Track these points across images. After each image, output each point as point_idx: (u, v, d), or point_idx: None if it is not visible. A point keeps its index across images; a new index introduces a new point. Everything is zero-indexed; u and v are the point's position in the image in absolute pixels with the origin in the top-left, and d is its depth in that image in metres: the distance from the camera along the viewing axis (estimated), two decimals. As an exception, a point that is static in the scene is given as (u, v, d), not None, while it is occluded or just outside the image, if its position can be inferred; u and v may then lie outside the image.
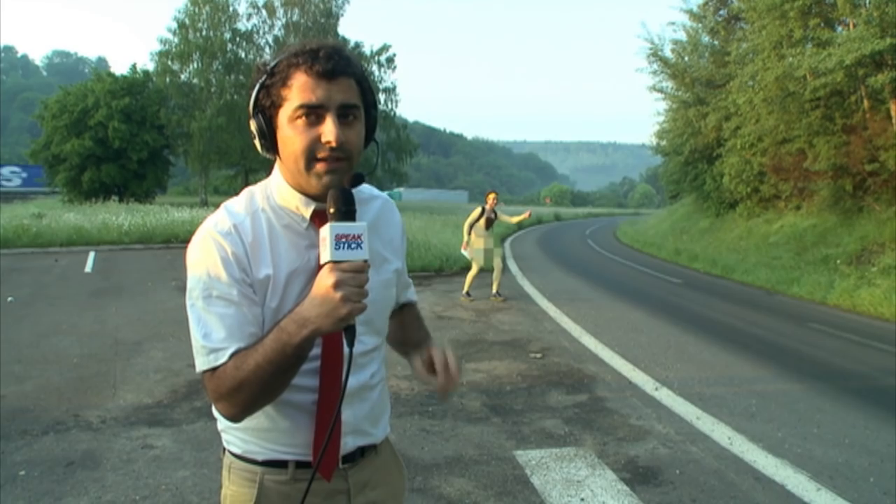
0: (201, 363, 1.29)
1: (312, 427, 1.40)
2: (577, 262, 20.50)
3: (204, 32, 44.32)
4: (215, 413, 1.46)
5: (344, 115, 1.29)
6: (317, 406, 1.39)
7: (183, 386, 5.87)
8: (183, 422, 4.95)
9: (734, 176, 25.31)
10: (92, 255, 16.74)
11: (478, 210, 11.64)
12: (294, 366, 1.26)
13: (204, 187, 47.73)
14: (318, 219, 1.35)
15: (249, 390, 1.25)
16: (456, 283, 13.62)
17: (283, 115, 1.29)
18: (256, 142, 1.35)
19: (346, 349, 1.27)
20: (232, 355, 1.26)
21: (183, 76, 45.10)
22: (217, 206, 1.48)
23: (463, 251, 11.81)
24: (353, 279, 1.18)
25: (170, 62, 44.02)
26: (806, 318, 11.69)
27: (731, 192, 26.71)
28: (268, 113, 1.31)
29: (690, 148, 29.35)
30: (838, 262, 16.33)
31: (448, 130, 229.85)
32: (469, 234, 11.60)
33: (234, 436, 1.45)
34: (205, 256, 1.31)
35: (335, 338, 1.34)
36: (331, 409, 1.37)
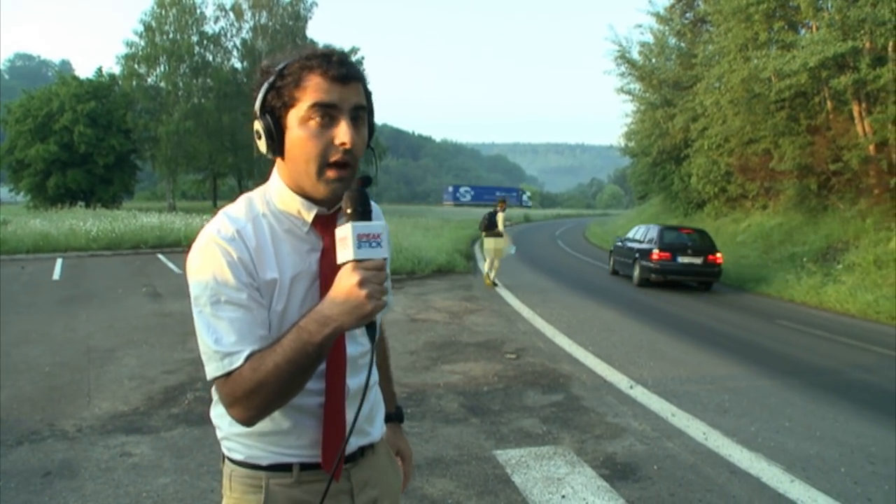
0: (215, 369, 1.27)
1: (317, 428, 1.40)
2: (548, 264, 20.63)
3: (171, 35, 43.88)
4: (216, 421, 1.47)
5: (354, 118, 1.32)
6: (323, 408, 1.40)
7: (159, 392, 5.81)
8: (161, 429, 4.91)
9: (702, 176, 25.68)
10: (59, 261, 16.49)
11: (502, 214, 13.53)
12: (314, 365, 1.26)
13: (172, 192, 47.22)
14: (320, 223, 1.38)
15: (267, 392, 1.24)
16: (428, 285, 13.64)
17: (295, 116, 1.30)
18: (262, 142, 1.33)
19: (353, 348, 1.33)
20: (247, 358, 1.25)
21: (150, 79, 44.64)
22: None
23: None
24: (375, 276, 1.21)
25: (136, 65, 43.54)
26: (774, 315, 11.90)
27: (698, 192, 27.10)
28: (276, 114, 1.31)
29: (658, 149, 29.70)
30: (804, 259, 16.64)
31: (417, 133, 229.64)
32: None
33: (238, 442, 1.43)
34: (210, 262, 1.29)
35: (338, 340, 1.36)
36: (337, 410, 1.40)
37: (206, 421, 5.03)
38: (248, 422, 1.30)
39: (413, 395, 5.90)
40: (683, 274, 15.05)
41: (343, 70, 1.30)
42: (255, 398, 1.25)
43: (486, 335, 8.67)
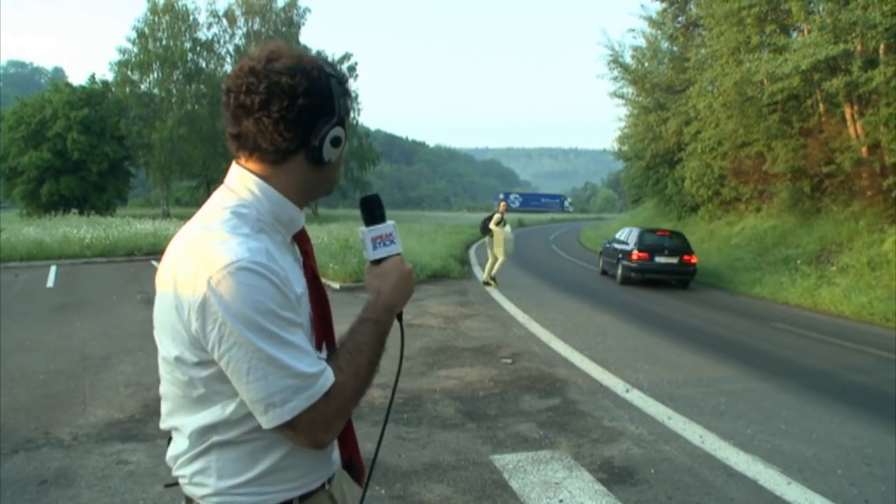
0: (312, 394, 1.21)
1: (313, 455, 1.35)
2: (543, 268, 20.64)
3: (164, 42, 43.89)
4: (198, 479, 1.31)
5: None
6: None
7: (154, 400, 5.76)
8: (157, 436, 4.89)
9: (695, 179, 25.73)
10: (53, 269, 16.44)
11: (497, 216, 14.46)
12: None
13: (166, 199, 47.14)
14: (299, 233, 1.40)
15: (363, 394, 1.32)
16: (423, 290, 13.62)
17: (341, 128, 1.33)
18: (333, 150, 1.33)
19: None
20: (332, 371, 1.26)
21: (143, 86, 44.62)
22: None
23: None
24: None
25: (129, 72, 43.51)
26: (769, 318, 11.93)
27: (692, 195, 27.14)
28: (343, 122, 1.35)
29: (652, 153, 29.75)
30: (798, 262, 16.68)
31: (410, 138, 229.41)
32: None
33: (236, 494, 1.30)
34: (259, 289, 1.17)
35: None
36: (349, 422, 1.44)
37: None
38: (329, 442, 1.32)
39: (409, 400, 5.90)
40: (661, 273, 16.48)
41: None
42: (354, 405, 1.31)
43: (482, 340, 8.67)
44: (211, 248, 1.20)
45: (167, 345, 1.27)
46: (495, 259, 14.63)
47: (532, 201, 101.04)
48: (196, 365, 1.23)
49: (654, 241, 16.95)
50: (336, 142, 1.31)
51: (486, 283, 14.36)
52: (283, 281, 1.21)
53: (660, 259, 16.33)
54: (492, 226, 14.50)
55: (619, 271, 16.99)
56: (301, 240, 1.39)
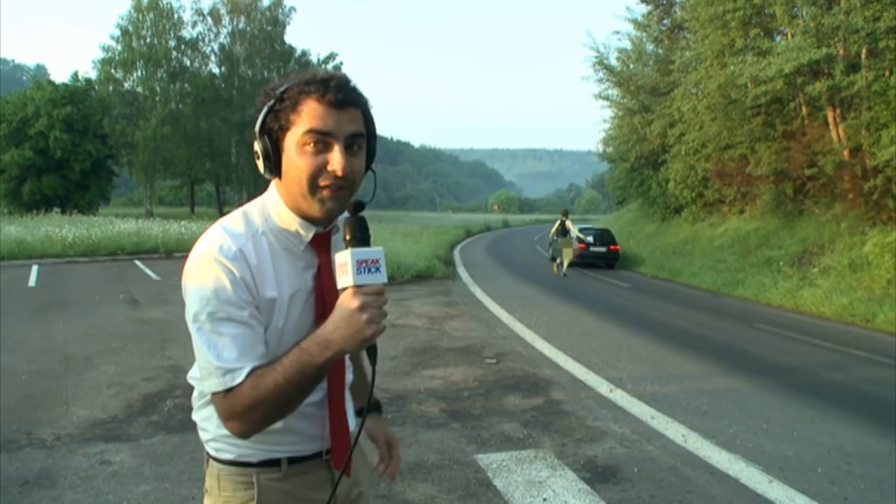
0: (216, 384, 1.30)
1: (307, 424, 1.48)
2: (527, 268, 20.72)
3: (148, 40, 43.64)
4: (203, 424, 1.51)
5: (350, 146, 1.34)
6: (328, 407, 1.49)
7: (138, 400, 5.77)
8: (140, 436, 4.87)
9: (679, 181, 25.86)
10: (35, 268, 16.30)
11: (570, 222, 18.56)
12: (313, 384, 1.31)
13: (149, 198, 46.85)
14: (316, 241, 1.42)
15: (265, 408, 1.29)
16: (407, 291, 13.64)
17: (291, 139, 1.33)
18: (260, 162, 1.38)
19: (354, 368, 1.45)
20: (248, 375, 1.29)
21: (127, 84, 44.35)
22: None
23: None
24: (375, 301, 1.25)
25: (113, 70, 43.25)
26: (751, 319, 12.02)
27: (676, 197, 27.28)
28: (274, 136, 1.35)
29: (636, 154, 29.87)
30: (781, 263, 16.82)
31: (395, 139, 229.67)
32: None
33: (227, 443, 1.47)
34: (211, 279, 1.31)
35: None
36: (341, 411, 1.51)
37: (186, 428, 5.00)
38: (244, 435, 1.35)
39: (394, 400, 5.90)
40: (594, 258, 21.90)
41: (340, 95, 1.32)
42: (253, 414, 1.29)
43: (466, 340, 8.69)
44: (201, 239, 1.38)
45: None
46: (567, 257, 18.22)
47: None
48: None
49: (590, 234, 22.34)
50: (257, 155, 1.38)
51: (565, 275, 18.00)
52: (243, 279, 1.32)
53: (593, 248, 21.81)
54: (574, 232, 18.38)
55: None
56: (319, 250, 1.44)
